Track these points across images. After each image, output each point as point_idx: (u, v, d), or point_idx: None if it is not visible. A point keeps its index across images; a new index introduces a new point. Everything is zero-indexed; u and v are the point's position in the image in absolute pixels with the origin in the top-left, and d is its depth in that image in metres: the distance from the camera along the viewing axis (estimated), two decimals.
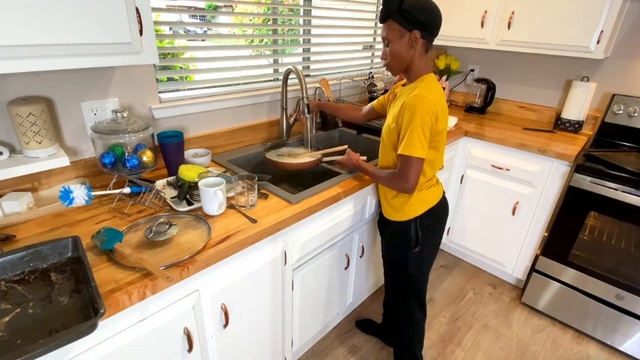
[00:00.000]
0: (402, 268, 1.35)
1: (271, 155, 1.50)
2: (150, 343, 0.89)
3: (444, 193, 1.34)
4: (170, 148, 1.27)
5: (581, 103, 2.04)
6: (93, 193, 0.99)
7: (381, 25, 1.16)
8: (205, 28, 1.71)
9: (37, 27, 0.78)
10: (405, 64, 1.18)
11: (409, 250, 1.30)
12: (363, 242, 1.63)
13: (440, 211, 1.32)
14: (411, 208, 1.27)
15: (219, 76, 1.57)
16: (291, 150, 1.59)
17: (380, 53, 2.40)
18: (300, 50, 1.87)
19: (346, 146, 1.49)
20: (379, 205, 1.62)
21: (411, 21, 1.08)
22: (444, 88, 2.51)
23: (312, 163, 1.45)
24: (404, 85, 1.27)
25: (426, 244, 1.31)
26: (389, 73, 2.31)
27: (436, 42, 2.34)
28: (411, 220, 1.28)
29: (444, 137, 1.21)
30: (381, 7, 1.14)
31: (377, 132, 1.85)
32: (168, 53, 1.40)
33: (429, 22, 1.09)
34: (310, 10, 1.88)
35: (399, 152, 1.14)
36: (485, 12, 2.06)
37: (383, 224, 1.42)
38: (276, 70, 1.80)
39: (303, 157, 1.50)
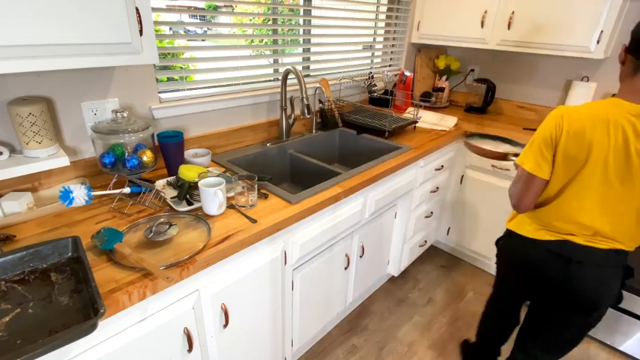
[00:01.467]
0: None
1: (473, 140, 1.66)
2: (150, 343, 0.89)
3: (553, 245, 1.05)
4: (170, 148, 1.27)
5: (581, 103, 2.03)
6: (93, 193, 0.99)
7: None
8: (205, 28, 1.71)
9: (37, 27, 0.78)
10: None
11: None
12: (363, 242, 1.63)
13: (515, 251, 1.15)
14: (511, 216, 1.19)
15: (219, 76, 1.57)
16: (496, 144, 1.73)
17: (379, 53, 2.41)
18: (300, 50, 1.87)
19: None
20: (381, 204, 1.62)
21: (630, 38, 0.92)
22: (443, 89, 2.52)
23: (496, 154, 1.47)
24: None
25: (498, 267, 1.26)
26: (389, 73, 2.31)
27: (436, 42, 2.34)
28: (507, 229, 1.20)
29: (574, 169, 0.95)
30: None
31: (377, 132, 1.85)
32: (168, 53, 1.40)
33: (635, 33, 0.89)
34: (310, 10, 1.88)
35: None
36: (486, 12, 2.06)
37: None
38: (276, 70, 1.80)
39: (497, 148, 1.59)
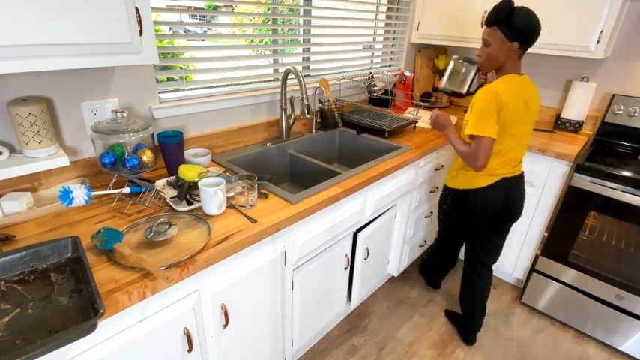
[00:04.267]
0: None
1: None
2: (150, 343, 0.89)
3: (500, 185, 1.42)
4: (170, 148, 1.27)
5: (581, 103, 2.04)
6: (93, 193, 0.99)
7: (485, 26, 1.30)
8: (205, 28, 1.71)
9: (37, 27, 0.78)
10: (498, 66, 1.34)
11: (441, 213, 1.69)
12: (367, 244, 1.63)
13: (475, 199, 1.46)
14: (453, 179, 1.52)
15: (219, 76, 1.57)
16: None
17: (380, 53, 2.41)
18: (300, 50, 1.87)
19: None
20: (381, 204, 1.62)
21: (515, 33, 1.23)
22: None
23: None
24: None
25: (450, 219, 1.60)
26: (389, 73, 2.31)
27: (436, 42, 2.34)
28: (447, 187, 1.57)
29: (511, 131, 1.33)
30: (490, 11, 1.27)
31: (377, 132, 1.85)
32: (168, 53, 1.40)
33: (529, 37, 1.24)
34: (310, 10, 1.88)
35: (465, 132, 1.33)
36: (485, 12, 2.06)
37: None
38: (276, 70, 1.80)
39: None
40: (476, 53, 1.41)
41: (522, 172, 1.50)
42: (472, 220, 1.52)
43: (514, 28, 1.23)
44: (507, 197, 1.45)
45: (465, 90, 1.96)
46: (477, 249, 1.65)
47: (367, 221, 1.61)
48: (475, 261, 1.66)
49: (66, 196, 0.93)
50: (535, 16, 1.24)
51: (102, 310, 0.68)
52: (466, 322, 1.79)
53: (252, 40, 1.68)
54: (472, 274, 1.69)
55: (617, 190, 1.60)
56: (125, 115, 1.18)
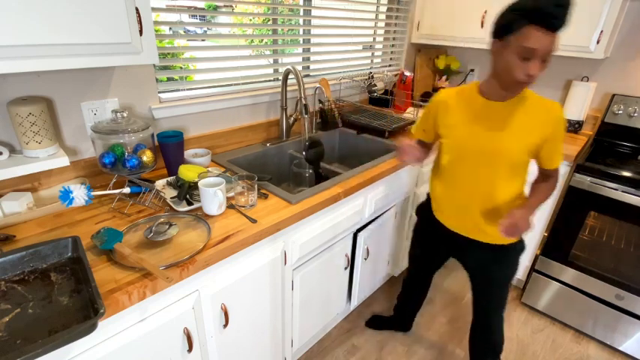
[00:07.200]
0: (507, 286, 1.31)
1: None
2: (150, 343, 0.89)
3: None
4: (170, 148, 1.27)
5: (581, 103, 2.04)
6: (93, 193, 0.99)
7: (551, 35, 0.92)
8: (205, 28, 1.70)
9: (37, 27, 0.78)
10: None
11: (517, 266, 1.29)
12: (367, 244, 1.63)
13: None
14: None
15: (219, 76, 1.57)
16: None
17: (380, 53, 2.41)
18: (300, 50, 1.87)
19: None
20: (380, 204, 1.61)
21: (492, 32, 1.06)
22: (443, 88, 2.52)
23: None
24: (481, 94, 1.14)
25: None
26: (389, 73, 2.31)
27: (436, 42, 2.34)
28: (513, 244, 1.24)
29: None
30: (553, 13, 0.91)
31: (377, 132, 1.85)
32: (168, 53, 1.40)
33: (497, 26, 1.03)
34: (310, 10, 1.88)
35: (555, 167, 1.17)
36: (485, 12, 2.06)
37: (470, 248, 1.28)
38: (276, 70, 1.80)
39: None
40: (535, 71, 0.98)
41: None
42: None
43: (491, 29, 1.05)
44: None
45: None
46: None
47: (367, 221, 1.61)
48: None
49: (66, 196, 0.93)
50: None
51: (102, 310, 0.68)
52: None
53: (252, 40, 1.68)
54: None
55: (617, 190, 1.60)
56: (125, 115, 1.18)
